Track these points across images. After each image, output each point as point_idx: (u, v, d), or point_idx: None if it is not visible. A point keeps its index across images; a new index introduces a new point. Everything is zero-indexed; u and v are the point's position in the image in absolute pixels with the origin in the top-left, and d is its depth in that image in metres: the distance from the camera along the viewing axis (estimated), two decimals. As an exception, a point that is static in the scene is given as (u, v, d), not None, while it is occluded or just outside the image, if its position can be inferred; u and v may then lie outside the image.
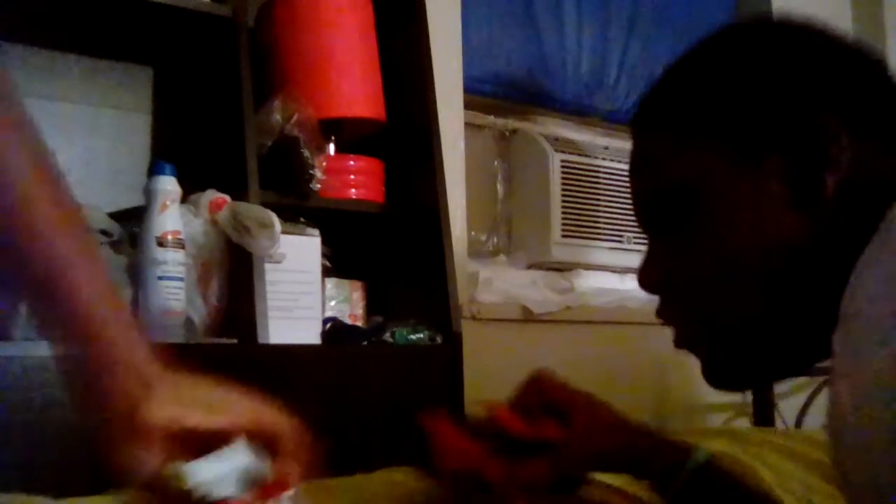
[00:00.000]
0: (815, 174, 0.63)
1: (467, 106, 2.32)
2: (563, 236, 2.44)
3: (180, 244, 1.48)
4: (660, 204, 0.70)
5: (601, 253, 2.52)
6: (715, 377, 0.71)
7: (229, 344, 1.55)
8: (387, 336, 1.72)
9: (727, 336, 0.68)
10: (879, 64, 0.69)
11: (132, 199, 1.57)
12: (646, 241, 0.74)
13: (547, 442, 0.80)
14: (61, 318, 0.62)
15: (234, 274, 1.58)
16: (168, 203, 1.47)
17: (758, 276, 0.65)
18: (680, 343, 0.71)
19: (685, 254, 0.69)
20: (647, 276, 0.73)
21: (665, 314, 0.72)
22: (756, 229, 0.65)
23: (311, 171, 1.69)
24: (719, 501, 0.79)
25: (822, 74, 0.66)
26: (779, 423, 2.44)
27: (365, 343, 1.71)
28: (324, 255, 1.75)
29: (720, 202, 0.66)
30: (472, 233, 2.44)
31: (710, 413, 2.62)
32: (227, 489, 0.61)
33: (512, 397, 0.85)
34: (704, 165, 0.67)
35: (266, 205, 1.57)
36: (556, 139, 2.56)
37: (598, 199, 2.50)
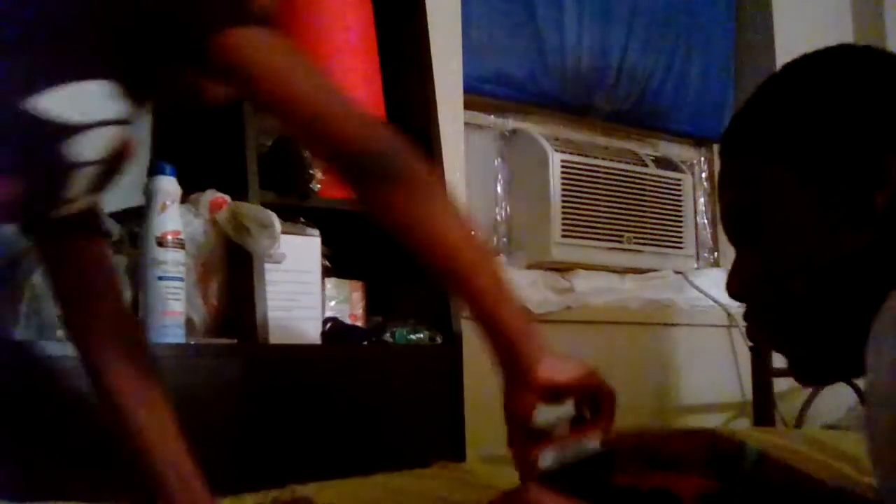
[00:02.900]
0: (867, 193, 0.72)
1: (467, 106, 2.32)
2: (563, 236, 2.44)
3: (180, 244, 1.48)
4: (739, 219, 0.81)
5: (601, 253, 2.52)
6: (799, 373, 0.80)
7: (229, 344, 1.55)
8: (387, 336, 1.72)
9: (801, 335, 0.77)
10: None
11: (132, 199, 1.56)
12: (733, 253, 0.84)
13: (657, 489, 0.90)
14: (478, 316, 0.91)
15: (234, 274, 1.58)
16: (168, 203, 1.47)
17: (820, 283, 0.75)
18: (768, 344, 0.83)
19: (761, 264, 0.79)
20: (732, 284, 0.82)
21: (750, 318, 0.82)
22: (817, 243, 0.75)
23: (311, 171, 1.69)
24: (780, 488, 0.91)
25: (878, 107, 0.75)
26: (779, 423, 2.44)
27: (365, 343, 1.71)
28: (324, 255, 1.75)
29: (788, 219, 0.76)
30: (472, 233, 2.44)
31: (710, 413, 2.62)
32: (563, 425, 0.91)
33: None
34: (776, 188, 0.77)
35: (266, 205, 1.57)
36: (556, 139, 2.56)
37: (598, 199, 2.50)
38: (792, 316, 0.77)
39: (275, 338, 1.57)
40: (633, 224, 2.56)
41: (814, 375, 0.81)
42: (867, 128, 0.74)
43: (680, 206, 2.68)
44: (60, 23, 0.87)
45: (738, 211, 0.80)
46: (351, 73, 1.81)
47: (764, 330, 0.82)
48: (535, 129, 2.59)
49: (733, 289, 0.82)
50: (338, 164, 0.91)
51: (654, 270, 2.63)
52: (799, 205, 0.75)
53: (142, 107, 0.93)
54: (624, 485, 0.91)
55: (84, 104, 0.87)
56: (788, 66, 0.81)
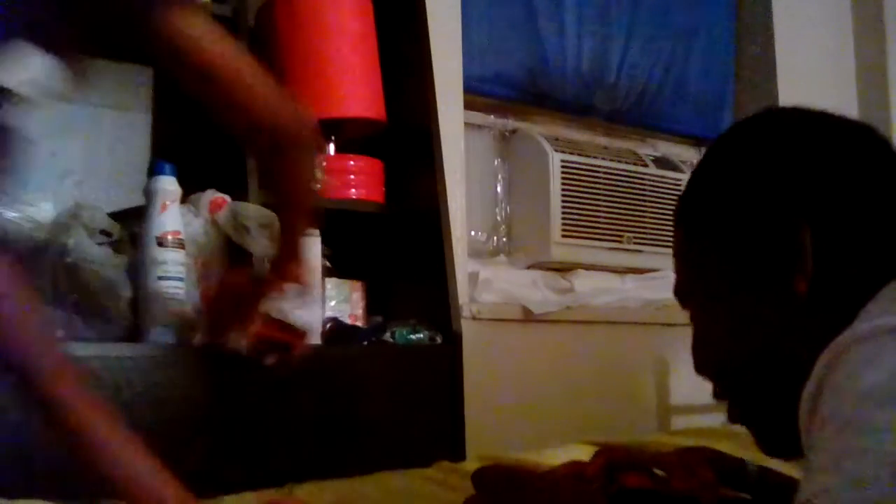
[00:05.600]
0: (788, 276, 0.71)
1: (467, 106, 2.32)
2: (563, 236, 2.44)
3: (180, 244, 1.48)
4: (682, 296, 0.81)
5: (601, 253, 2.52)
6: (763, 447, 0.79)
7: (229, 344, 1.54)
8: (387, 336, 1.72)
9: (760, 410, 0.76)
10: (881, 147, 0.74)
11: (132, 199, 1.56)
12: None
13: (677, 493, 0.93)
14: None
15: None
16: (168, 203, 1.47)
17: (761, 358, 0.73)
18: (732, 418, 0.80)
19: (710, 341, 0.78)
20: (696, 360, 0.80)
21: (717, 395, 0.80)
22: (752, 322, 0.74)
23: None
24: (781, 490, 0.93)
25: (804, 183, 0.73)
26: (778, 423, 2.44)
27: (365, 343, 1.71)
28: (324, 255, 1.75)
29: (722, 299, 0.76)
30: (472, 233, 2.44)
31: (709, 413, 2.61)
32: None
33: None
34: (706, 265, 0.77)
35: (266, 205, 1.57)
36: (556, 139, 2.56)
37: (598, 199, 2.50)
38: (742, 391, 0.76)
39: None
40: (633, 224, 2.56)
41: (781, 449, 0.77)
42: (782, 203, 0.72)
43: (680, 206, 2.68)
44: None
45: (680, 289, 0.80)
46: (351, 73, 1.81)
47: (734, 405, 0.79)
48: (535, 129, 2.59)
49: (699, 364, 0.80)
50: (252, 131, 1.14)
51: (654, 270, 2.63)
52: (732, 290, 0.75)
53: (77, 79, 0.96)
54: (646, 487, 0.93)
55: (33, 76, 0.91)
56: (722, 137, 0.81)
